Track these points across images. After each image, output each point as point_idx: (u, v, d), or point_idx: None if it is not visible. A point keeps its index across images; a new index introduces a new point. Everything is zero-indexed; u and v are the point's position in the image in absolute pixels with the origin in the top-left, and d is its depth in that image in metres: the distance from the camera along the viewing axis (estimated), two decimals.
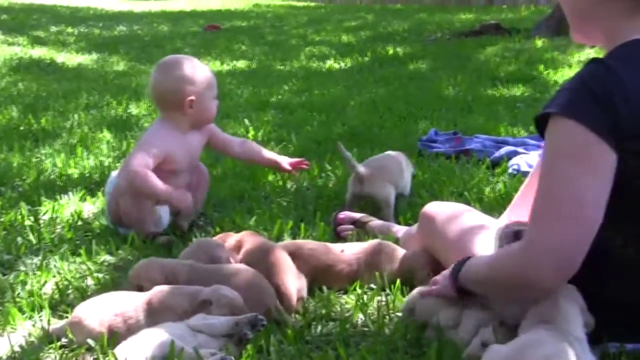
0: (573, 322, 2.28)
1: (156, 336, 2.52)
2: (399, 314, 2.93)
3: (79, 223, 4.15)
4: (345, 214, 3.95)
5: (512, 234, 2.61)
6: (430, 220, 3.28)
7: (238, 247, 3.31)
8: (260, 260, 3.12)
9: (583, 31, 2.56)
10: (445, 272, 2.73)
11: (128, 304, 2.79)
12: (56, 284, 3.31)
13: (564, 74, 8.43)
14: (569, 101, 2.27)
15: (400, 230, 3.70)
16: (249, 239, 3.34)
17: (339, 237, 3.83)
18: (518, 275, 2.25)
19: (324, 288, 3.19)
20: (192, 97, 3.97)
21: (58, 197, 4.50)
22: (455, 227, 3.16)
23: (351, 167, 4.17)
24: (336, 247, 3.42)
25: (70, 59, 11.06)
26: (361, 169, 4.16)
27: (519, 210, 3.27)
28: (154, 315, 2.74)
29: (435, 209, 3.32)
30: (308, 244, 3.43)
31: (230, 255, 3.21)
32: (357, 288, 3.19)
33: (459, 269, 2.58)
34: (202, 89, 4.01)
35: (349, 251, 3.37)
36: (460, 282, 2.58)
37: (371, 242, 3.45)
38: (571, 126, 2.23)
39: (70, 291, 3.25)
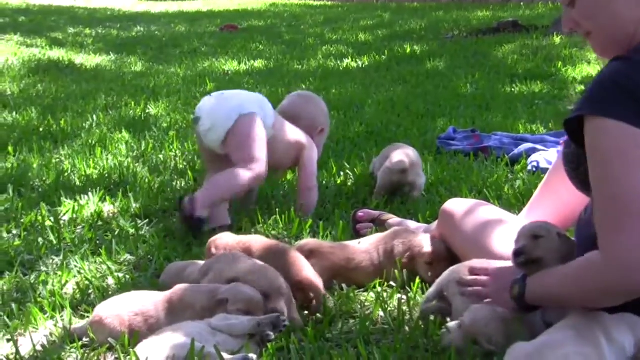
0: (615, 326, 2.26)
1: (176, 336, 2.52)
2: (419, 312, 2.92)
3: (99, 223, 4.17)
4: (364, 212, 3.95)
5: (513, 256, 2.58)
6: (449, 216, 3.28)
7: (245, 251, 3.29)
8: (278, 259, 3.13)
9: (614, 47, 2.50)
10: (494, 281, 2.69)
11: (148, 303, 2.81)
12: (77, 283, 3.34)
13: (583, 71, 8.39)
14: (602, 100, 2.24)
15: (419, 227, 3.69)
16: (257, 242, 3.33)
17: (358, 235, 3.83)
18: (611, 285, 2.19)
19: (344, 286, 3.19)
20: (323, 128, 4.59)
21: (78, 197, 4.51)
22: (473, 222, 3.16)
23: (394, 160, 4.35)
24: (352, 243, 3.47)
25: (88, 60, 11.11)
26: (406, 159, 4.33)
27: (537, 208, 3.26)
28: (175, 313, 2.75)
29: (455, 205, 3.32)
30: (327, 243, 3.47)
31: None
32: (377, 286, 3.19)
33: (522, 292, 2.49)
34: (328, 126, 4.71)
35: (365, 242, 3.43)
36: (526, 303, 2.50)
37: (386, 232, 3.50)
38: (611, 125, 2.20)
39: (91, 291, 3.26)
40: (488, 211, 3.25)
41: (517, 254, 2.54)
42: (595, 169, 2.27)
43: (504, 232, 3.04)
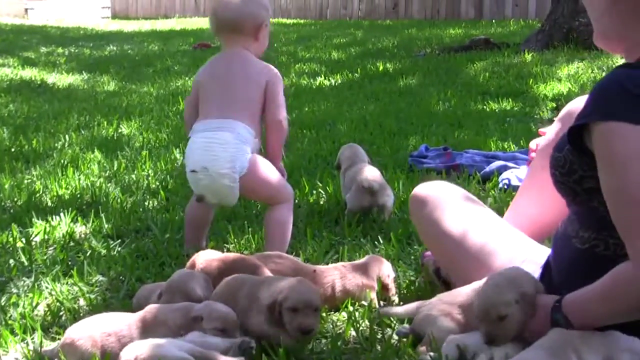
0: (587, 347, 2.27)
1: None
2: (391, 330, 2.93)
3: (71, 244, 4.15)
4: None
5: None
6: (421, 204, 3.09)
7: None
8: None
9: (607, 46, 2.52)
10: None
11: (121, 323, 2.80)
12: (48, 305, 3.32)
13: (554, 88, 8.45)
14: (612, 105, 2.22)
15: None
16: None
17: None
18: None
19: None
20: (267, 23, 3.92)
21: (49, 218, 4.49)
22: (450, 215, 3.00)
23: (364, 182, 4.26)
24: (309, 267, 3.38)
25: (60, 79, 11.06)
26: (375, 183, 4.25)
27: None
28: (148, 331, 2.75)
29: (425, 191, 3.13)
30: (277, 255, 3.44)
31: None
32: (349, 305, 3.20)
33: (566, 323, 2.37)
34: (269, 16, 3.97)
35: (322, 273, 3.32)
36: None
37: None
38: (625, 129, 2.18)
39: (62, 312, 3.25)
40: (460, 200, 3.10)
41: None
42: (612, 176, 2.23)
43: (483, 222, 2.99)
